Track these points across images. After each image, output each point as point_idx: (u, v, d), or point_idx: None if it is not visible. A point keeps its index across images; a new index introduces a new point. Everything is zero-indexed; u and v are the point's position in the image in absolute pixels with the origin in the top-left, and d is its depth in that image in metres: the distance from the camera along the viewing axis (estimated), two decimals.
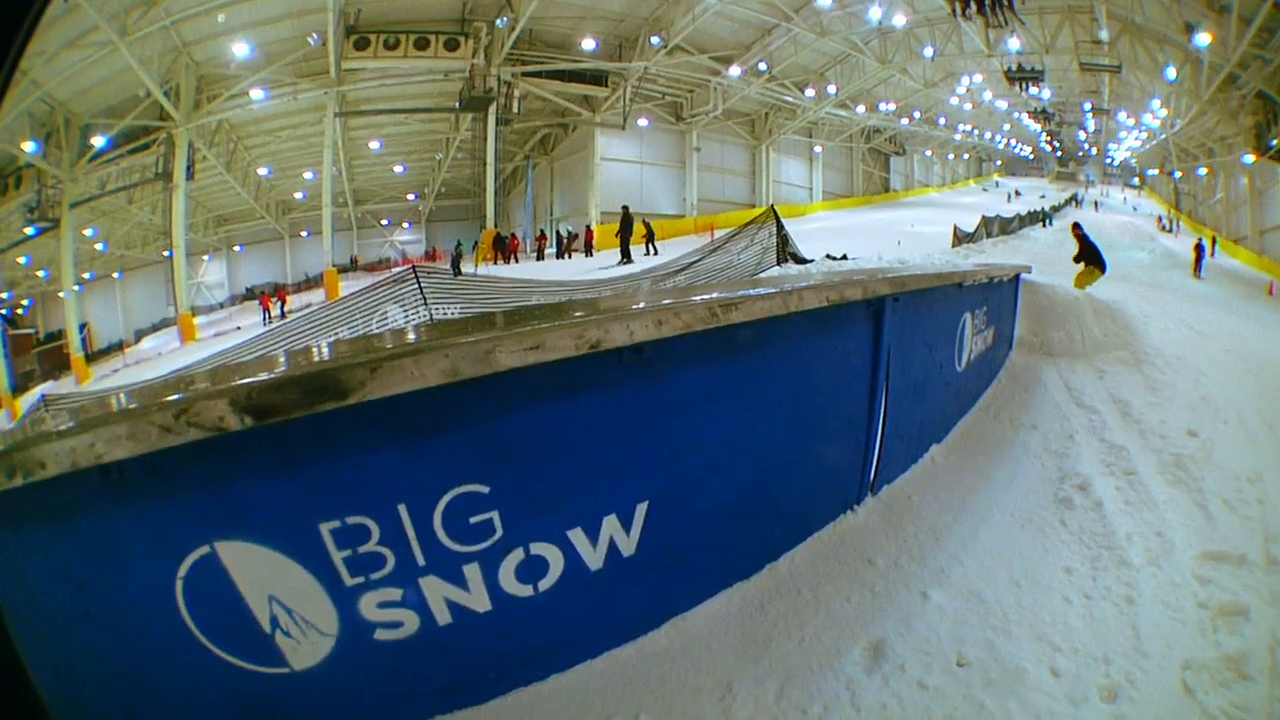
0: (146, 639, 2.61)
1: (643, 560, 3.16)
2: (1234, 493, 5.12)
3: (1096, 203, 49.53)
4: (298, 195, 40.40)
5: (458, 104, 30.33)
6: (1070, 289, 9.92)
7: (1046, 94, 36.72)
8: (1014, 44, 31.07)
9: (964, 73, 36.17)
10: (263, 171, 36.93)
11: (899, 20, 32.63)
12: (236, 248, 44.12)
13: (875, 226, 34.76)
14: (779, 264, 18.92)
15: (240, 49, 27.79)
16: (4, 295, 36.28)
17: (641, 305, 3.06)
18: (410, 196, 39.62)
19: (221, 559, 2.48)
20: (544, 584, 2.98)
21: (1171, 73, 30.43)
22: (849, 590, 3.57)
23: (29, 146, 27.97)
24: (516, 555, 2.85)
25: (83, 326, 35.54)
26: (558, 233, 34.45)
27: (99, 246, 40.43)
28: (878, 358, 4.16)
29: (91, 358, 35.71)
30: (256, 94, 29.26)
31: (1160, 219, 44.26)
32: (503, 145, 32.47)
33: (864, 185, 48.48)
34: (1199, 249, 27.11)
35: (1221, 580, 4.01)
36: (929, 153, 51.80)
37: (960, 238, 27.24)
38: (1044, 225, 33.65)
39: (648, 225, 30.04)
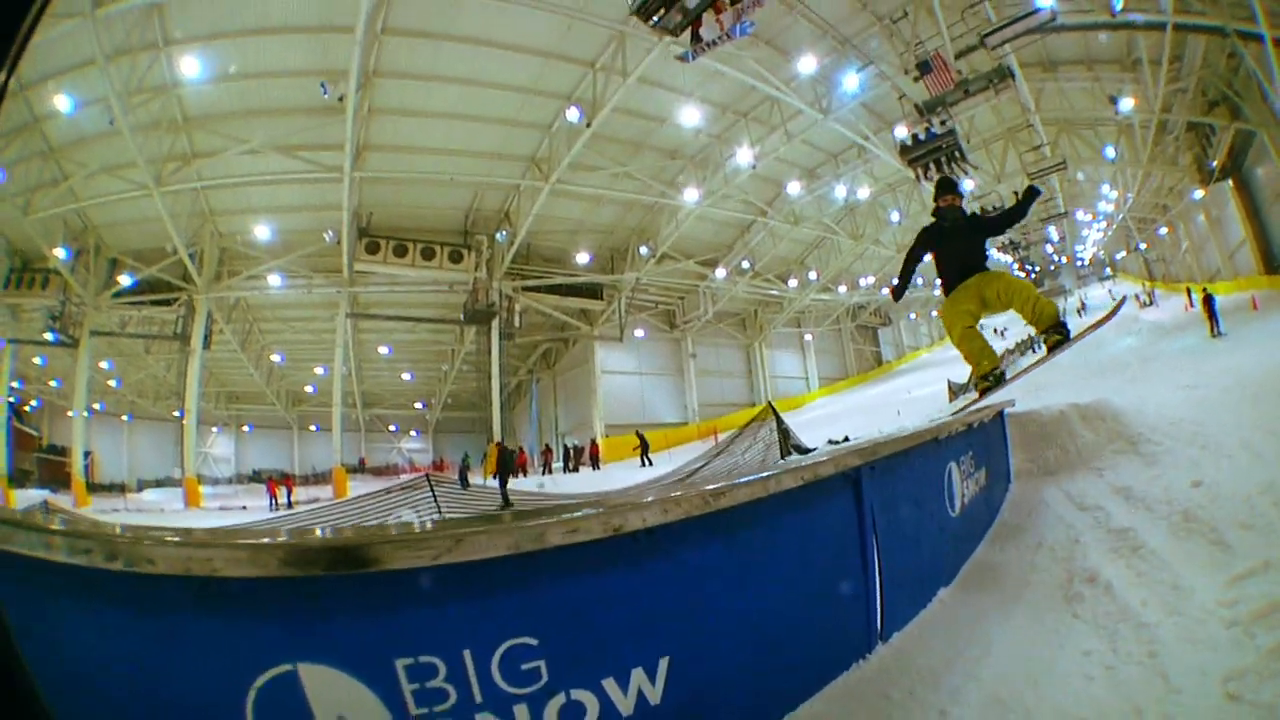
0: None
1: (669, 710, 3.32)
2: (1248, 512, 5.29)
3: (1080, 308, 47.80)
4: (308, 388, 41.44)
5: (462, 316, 31.00)
6: (1055, 406, 9.85)
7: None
8: (968, 185, 32.02)
9: None
10: (276, 358, 38.46)
11: (863, 194, 34.15)
12: (245, 427, 44.95)
13: (873, 402, 34.88)
14: (783, 458, 18.77)
15: (261, 231, 28.56)
16: (16, 384, 36.60)
17: (650, 498, 3.43)
18: (418, 405, 40.61)
19: (301, 678, 2.69)
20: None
21: (1110, 151, 31.96)
22: None
23: (60, 252, 28.46)
24: (559, 699, 3.07)
25: (87, 454, 35.53)
26: (565, 446, 34.67)
27: (113, 382, 41.40)
28: (863, 521, 4.46)
29: (92, 488, 35.28)
30: (274, 279, 29.91)
31: (1138, 297, 44.54)
32: (506, 359, 33.15)
33: (857, 363, 49.28)
34: (1209, 303, 24.16)
35: (1248, 591, 4.13)
36: (913, 315, 52.68)
37: (955, 391, 27.45)
38: (1034, 350, 33.80)
39: (641, 436, 30.06)
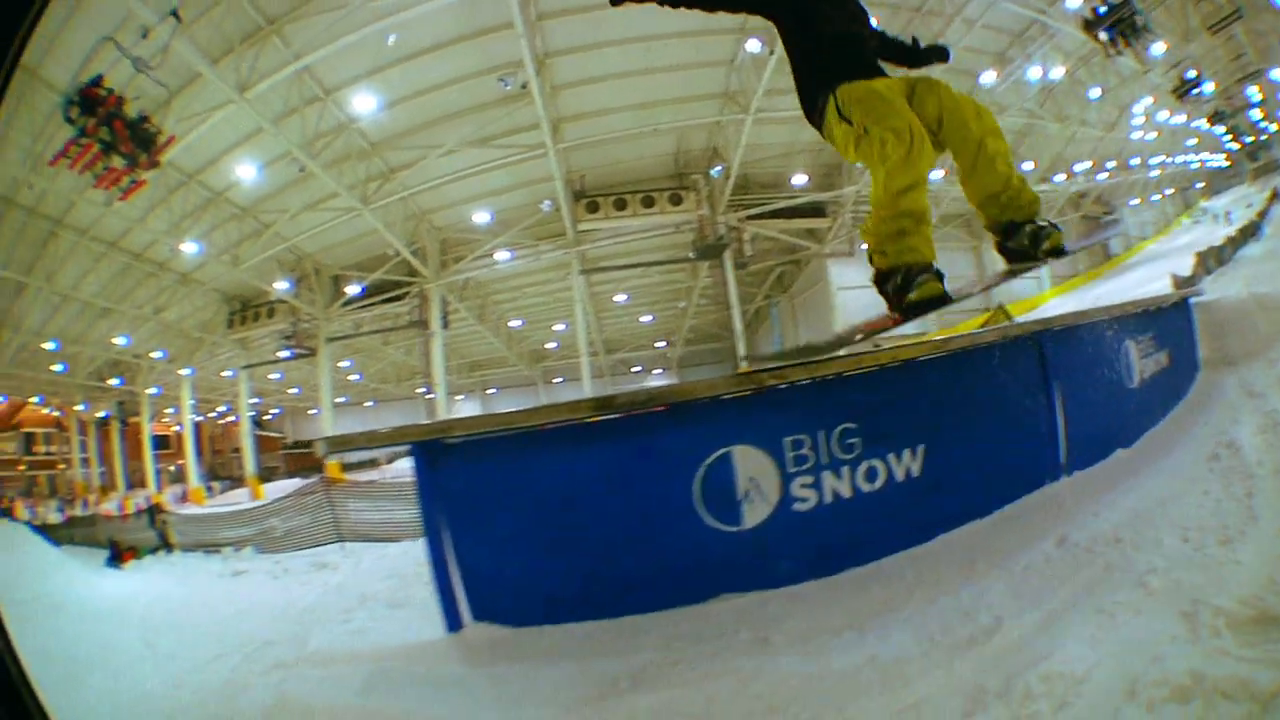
0: (664, 509, 5.55)
1: (925, 480, 5.74)
2: None
3: None
4: (550, 345, 43.58)
5: (692, 254, 32.24)
6: (1237, 295, 10.07)
7: (1210, 88, 35.25)
8: (1158, 49, 30.35)
9: (1132, 102, 36.21)
10: (514, 323, 41.06)
11: (1056, 73, 32.87)
12: (490, 390, 47.87)
13: (1106, 300, 31.85)
14: None
15: (479, 217, 31.00)
16: (255, 400, 44.08)
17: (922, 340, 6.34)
18: (659, 344, 41.96)
19: (733, 456, 5.40)
20: (877, 485, 5.67)
21: None
22: (1048, 521, 5.61)
23: (281, 285, 32.51)
24: (866, 464, 5.63)
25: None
26: None
27: (353, 377, 45.56)
28: (1046, 374, 6.44)
29: (345, 468, 38.51)
30: (502, 255, 32.29)
31: None
32: (742, 288, 33.94)
33: (1087, 259, 47.52)
34: None
35: None
36: (1135, 200, 50.26)
37: (1180, 283, 26.10)
38: (1256, 238, 31.00)
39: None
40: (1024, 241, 5.27)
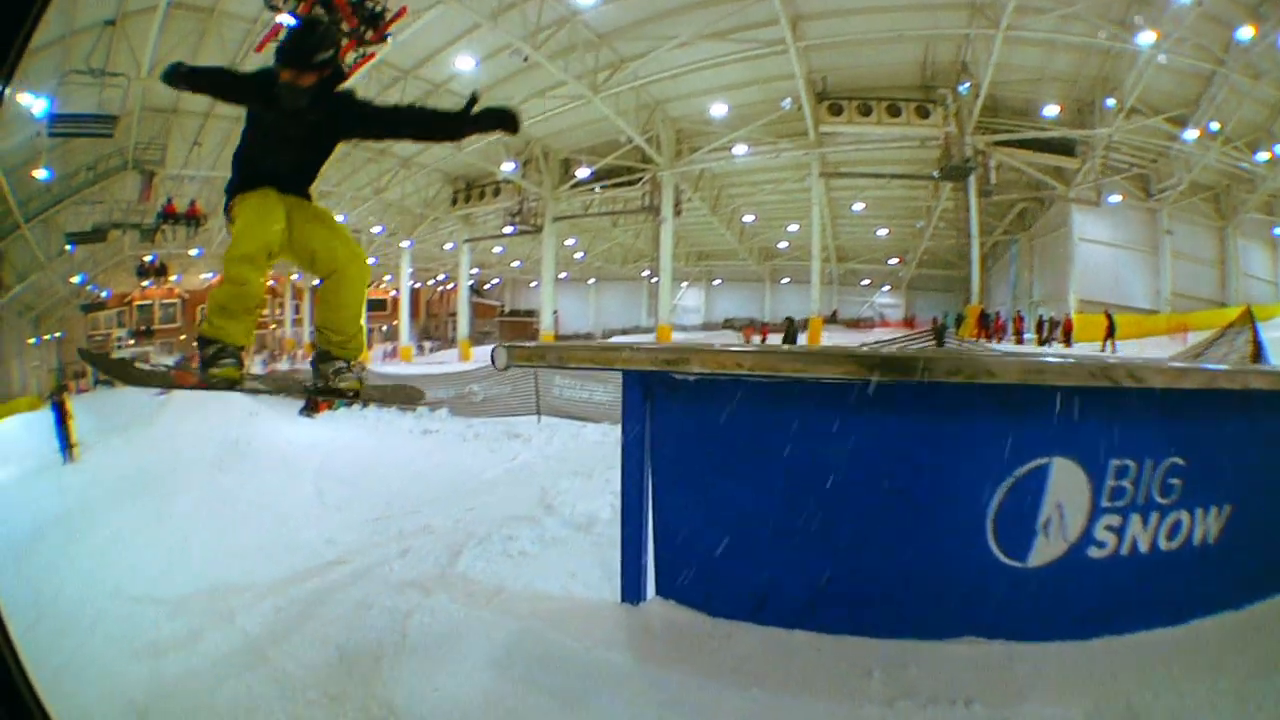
0: (941, 519, 4.76)
1: (1217, 551, 4.82)
2: None
3: None
4: (780, 244, 43.11)
5: (935, 173, 31.33)
6: None
7: None
8: None
9: None
10: (747, 219, 40.90)
11: None
12: (715, 280, 47.93)
13: None
14: None
15: (716, 110, 30.87)
16: (474, 270, 46.25)
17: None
18: (890, 260, 40.96)
19: (1051, 471, 4.48)
20: (1174, 544, 4.75)
21: None
22: None
23: (507, 166, 34.06)
24: (1175, 515, 4.69)
25: (554, 311, 42.35)
26: (1039, 318, 33.77)
27: (577, 255, 46.57)
28: None
29: (558, 338, 42.27)
30: (739, 149, 31.99)
31: None
32: (983, 218, 33.03)
33: None
34: None
35: None
36: None
37: None
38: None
39: (1110, 319, 29.60)
40: (329, 373, 6.56)
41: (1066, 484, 4.46)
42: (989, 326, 33.01)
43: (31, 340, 33.34)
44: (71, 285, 34.89)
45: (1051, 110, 30.64)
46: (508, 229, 39.16)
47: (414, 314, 47.89)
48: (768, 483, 4.92)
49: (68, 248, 33.54)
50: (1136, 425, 4.54)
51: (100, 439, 22.16)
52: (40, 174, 26.74)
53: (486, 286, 55.99)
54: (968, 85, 29.01)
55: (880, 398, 4.46)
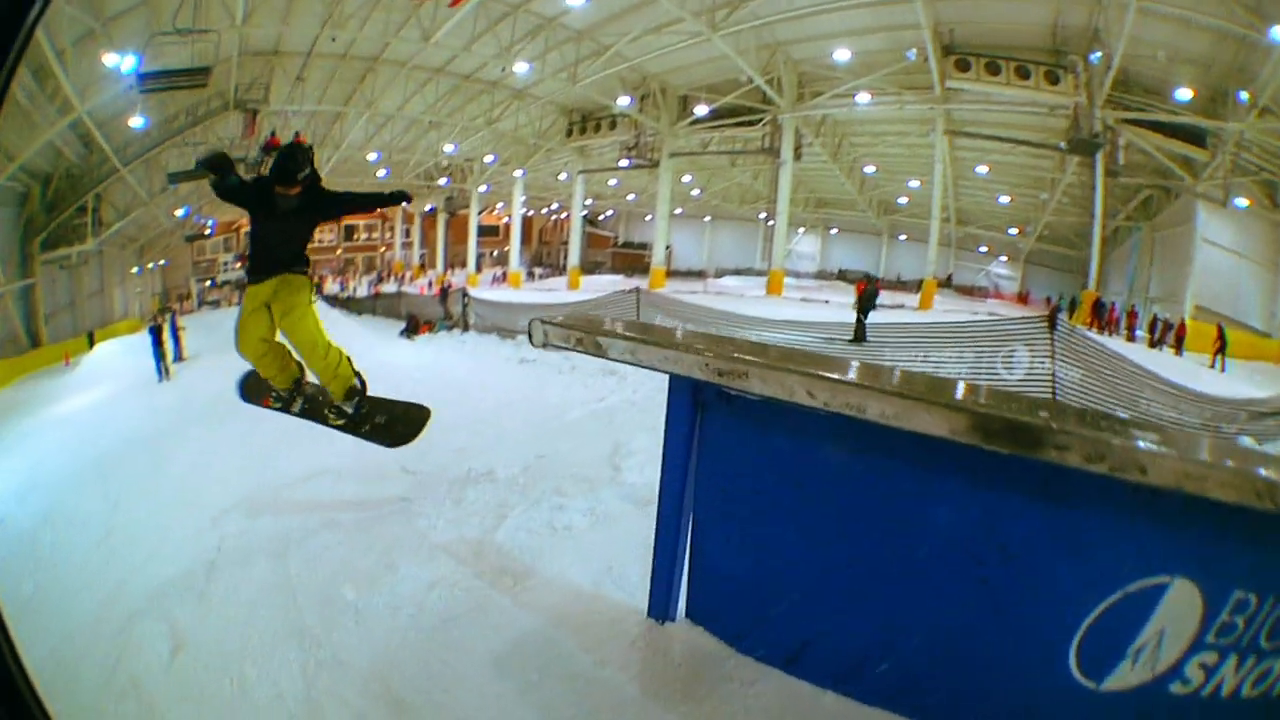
0: (1019, 622, 3.84)
1: None
2: None
3: None
4: (900, 200, 42.47)
5: (1062, 144, 29.93)
6: None
7: None
8: None
9: None
10: (867, 170, 40.24)
11: None
12: (831, 229, 47.54)
13: None
14: None
15: (839, 55, 30.21)
16: (588, 201, 46.74)
17: None
18: (1010, 230, 40.02)
19: (1168, 593, 3.47)
20: (1258, 691, 3.56)
21: None
22: None
23: (623, 101, 34.22)
24: (1270, 663, 3.54)
25: (667, 247, 43.28)
26: (1153, 316, 31.58)
27: (694, 192, 46.58)
28: None
29: (670, 274, 43.18)
30: (862, 98, 31.50)
31: None
32: (1108, 200, 31.50)
33: None
34: None
35: None
36: None
37: None
38: None
39: (1222, 333, 27.92)
40: (334, 411, 9.04)
41: (1178, 609, 3.59)
42: (1103, 317, 31.66)
43: (134, 269, 34.59)
44: (175, 218, 36.13)
45: (1184, 94, 28.77)
46: (623, 162, 39.23)
47: (525, 241, 48.90)
48: (825, 530, 4.40)
49: (170, 186, 35.28)
50: (1265, 550, 3.48)
51: (199, 357, 23.40)
52: (136, 122, 27.63)
53: (601, 217, 56.70)
54: (1099, 55, 27.71)
55: (983, 462, 3.60)
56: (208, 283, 41.92)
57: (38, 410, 20.02)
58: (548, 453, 10.41)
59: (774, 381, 3.81)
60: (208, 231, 39.81)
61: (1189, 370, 24.30)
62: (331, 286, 45.78)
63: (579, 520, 7.68)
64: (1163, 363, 23.06)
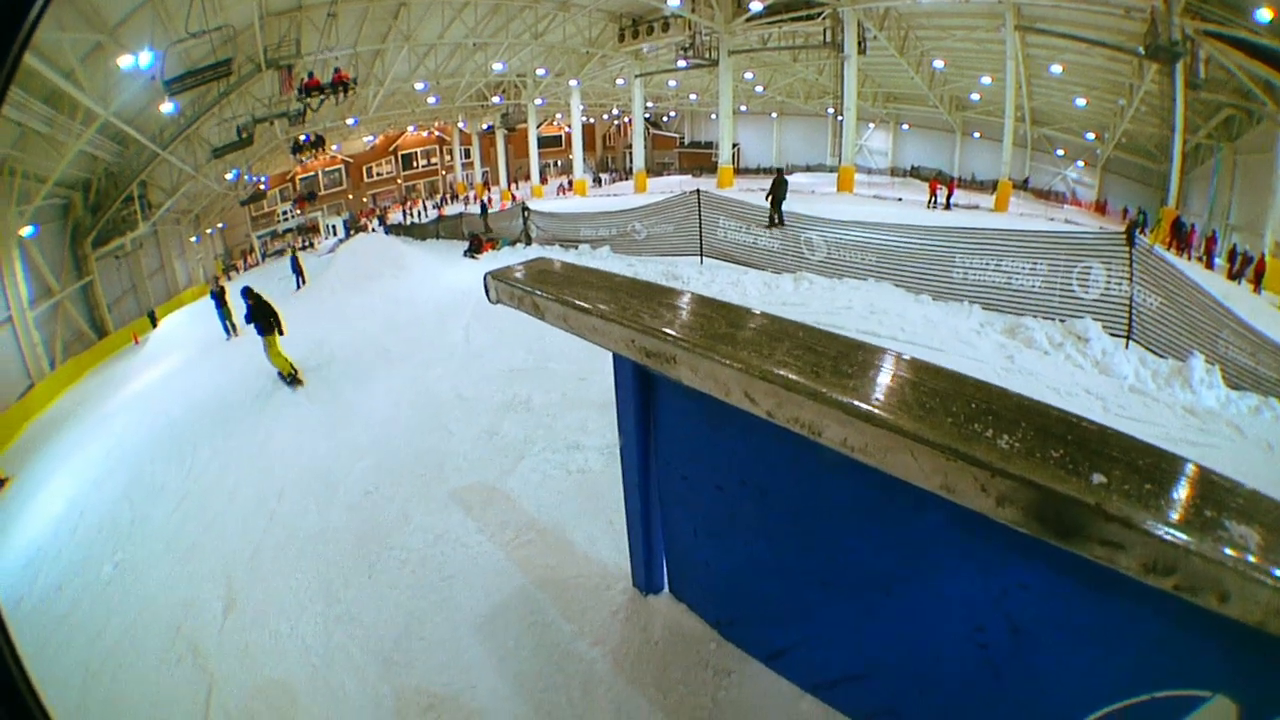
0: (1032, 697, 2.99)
1: None
2: None
3: None
4: (972, 96, 41.79)
5: (1140, 49, 28.70)
6: None
7: None
8: None
9: None
10: (936, 64, 39.53)
11: None
12: (902, 125, 46.98)
13: None
14: None
15: None
16: (649, 105, 48.99)
17: None
18: (1087, 135, 38.97)
19: (1203, 705, 2.62)
20: None
21: None
22: None
23: (673, 1, 35.07)
24: None
25: (734, 145, 43.78)
26: (1232, 246, 30.16)
27: (757, 89, 46.76)
28: None
29: (739, 171, 44.41)
30: None
31: None
32: (1189, 114, 29.96)
33: None
34: None
35: None
36: None
37: None
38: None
39: None
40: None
41: None
42: (1182, 238, 30.79)
43: (193, 238, 36.56)
44: (225, 182, 37.32)
45: (1264, 14, 26.69)
46: (680, 63, 39.67)
47: (588, 148, 49.63)
48: (793, 544, 3.73)
49: (229, 175, 37.95)
50: None
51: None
52: (166, 108, 28.69)
53: (664, 119, 56.80)
54: None
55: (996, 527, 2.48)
56: (270, 233, 43.14)
57: (109, 394, 21.54)
58: (589, 375, 10.37)
59: (706, 374, 3.01)
60: (262, 187, 40.93)
61: (1263, 313, 21.98)
62: (395, 216, 47.74)
63: (594, 461, 7.60)
64: (1238, 298, 22.36)
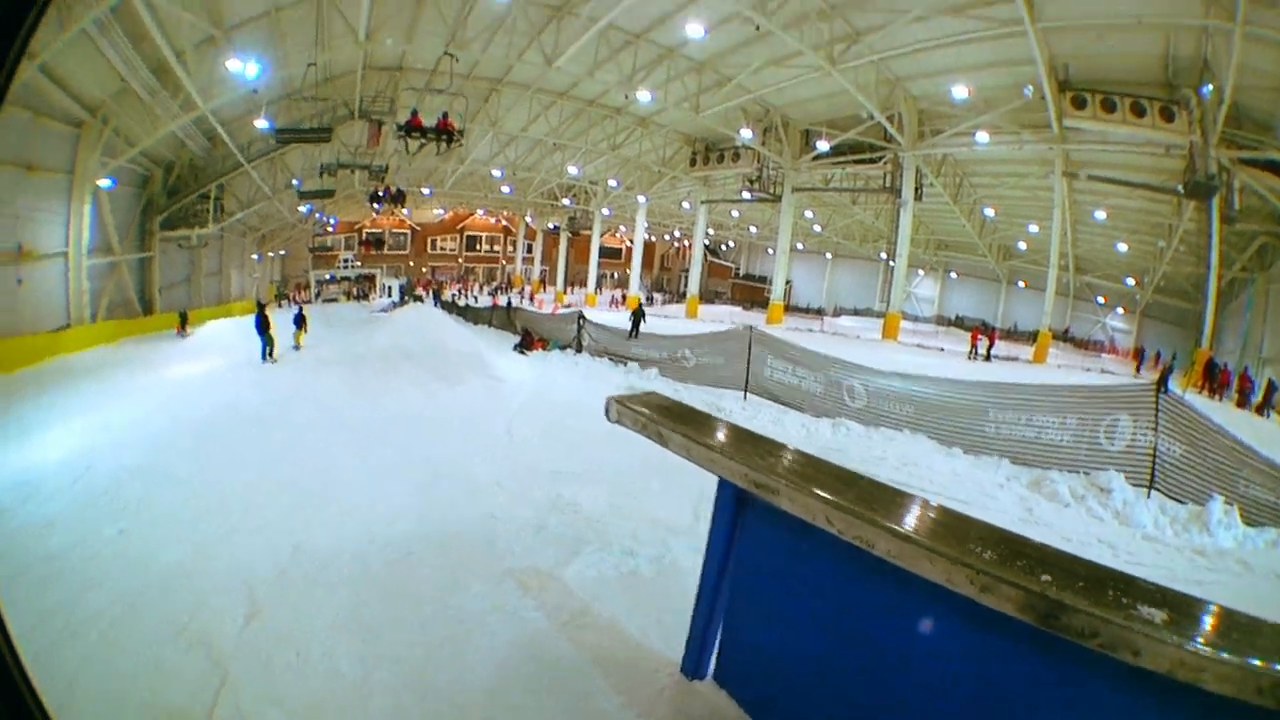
0: None
1: None
2: None
3: None
4: (1019, 245, 41.97)
5: (1179, 187, 28.58)
6: None
7: None
8: None
9: None
10: (987, 212, 40.14)
11: None
12: (950, 273, 47.60)
13: None
14: None
15: (958, 91, 29.94)
16: (709, 231, 48.89)
17: None
18: (1127, 280, 39.58)
19: None
20: None
21: None
22: None
23: (746, 133, 34.72)
24: None
25: (787, 282, 44.12)
26: (1269, 381, 28.99)
27: (815, 228, 47.71)
28: None
29: (789, 309, 44.82)
30: (980, 136, 31.20)
31: None
32: (1224, 248, 29.95)
33: None
34: None
35: None
36: None
37: None
38: None
39: None
40: None
41: None
42: (1214, 379, 29.73)
43: (254, 256, 37.29)
44: (298, 214, 38.34)
45: None
46: (745, 194, 39.88)
47: (646, 265, 49.83)
48: (840, 639, 4.20)
49: (302, 208, 38.79)
50: None
51: (310, 345, 24.76)
52: (261, 124, 29.45)
53: (722, 247, 57.61)
54: (1209, 87, 26.32)
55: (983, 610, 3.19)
56: (326, 277, 43.86)
57: (145, 369, 21.29)
58: (638, 490, 10.30)
59: (800, 504, 3.91)
60: (329, 243, 41.83)
61: None
62: (449, 292, 47.94)
63: (645, 568, 7.66)
64: (1269, 431, 21.67)
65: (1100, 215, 35.62)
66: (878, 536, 3.48)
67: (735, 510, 4.54)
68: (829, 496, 3.79)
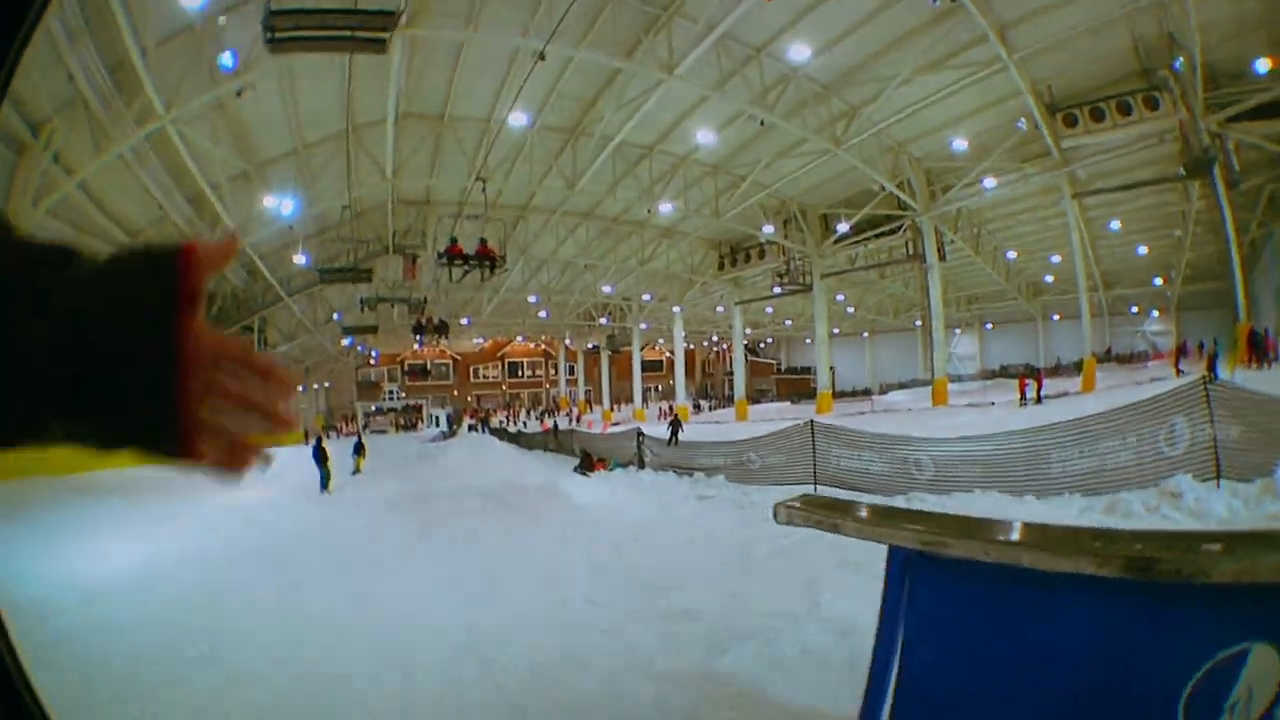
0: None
1: None
2: None
3: None
4: (1046, 278, 43.08)
5: (1180, 171, 28.74)
6: None
7: None
8: None
9: None
10: (1009, 255, 40.70)
11: None
12: (985, 325, 48.03)
13: None
14: None
15: (957, 143, 30.59)
16: (747, 331, 49.30)
17: None
18: (1155, 280, 40.30)
19: (1250, 654, 3.59)
20: None
21: None
22: None
23: (767, 228, 35.79)
24: None
25: (830, 368, 43.58)
26: None
27: (848, 310, 48.34)
28: None
29: (836, 395, 44.03)
30: (988, 182, 31.67)
31: None
32: (1237, 213, 29.13)
33: None
34: None
35: None
36: None
37: None
38: None
39: None
40: None
41: (1260, 668, 3.69)
42: (1260, 348, 28.15)
43: (299, 387, 37.71)
44: (341, 347, 40.02)
45: (1263, 65, 26.52)
46: (776, 289, 40.84)
47: (688, 373, 50.45)
48: (1015, 656, 4.41)
49: (344, 341, 40.36)
50: None
51: (365, 477, 26.01)
52: (299, 259, 31.20)
53: (760, 345, 58.26)
54: (1180, 60, 26.34)
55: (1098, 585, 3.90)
56: (373, 408, 44.84)
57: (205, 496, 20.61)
58: (743, 588, 10.34)
59: (963, 547, 4.58)
60: (373, 376, 42.97)
61: None
62: (496, 419, 49.53)
63: (789, 651, 7.59)
64: None
65: (1115, 225, 36.11)
66: (1021, 552, 4.23)
67: (904, 572, 4.93)
68: (986, 534, 4.58)
